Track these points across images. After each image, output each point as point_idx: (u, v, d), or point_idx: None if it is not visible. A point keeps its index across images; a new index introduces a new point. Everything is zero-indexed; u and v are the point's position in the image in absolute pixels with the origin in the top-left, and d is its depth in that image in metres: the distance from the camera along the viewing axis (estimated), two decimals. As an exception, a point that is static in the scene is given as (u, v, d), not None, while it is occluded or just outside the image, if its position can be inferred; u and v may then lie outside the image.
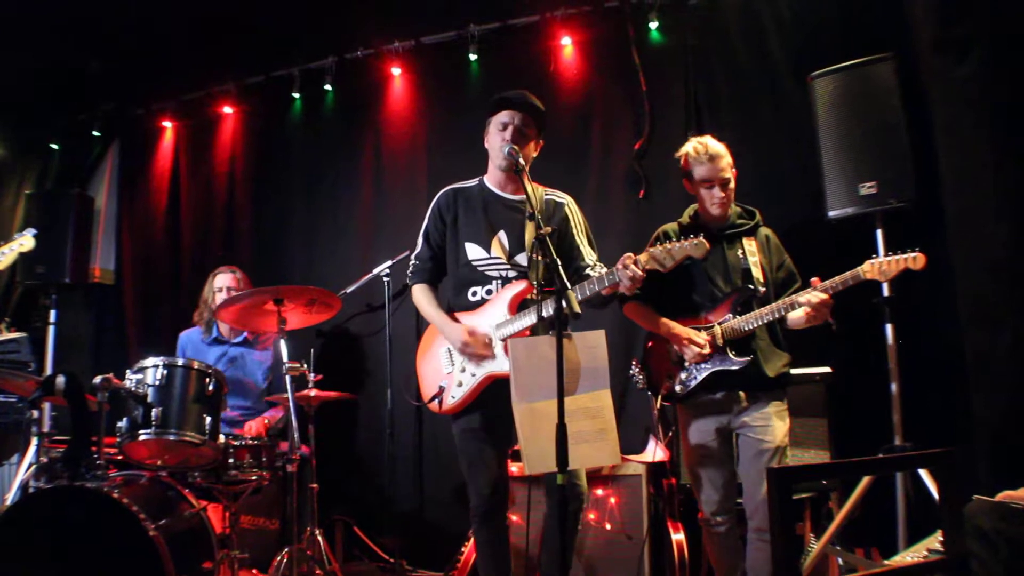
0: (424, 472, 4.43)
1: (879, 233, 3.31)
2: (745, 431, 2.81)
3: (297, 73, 4.97)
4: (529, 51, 4.43)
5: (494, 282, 2.87)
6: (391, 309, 4.44)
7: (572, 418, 2.19)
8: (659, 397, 2.99)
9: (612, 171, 4.24)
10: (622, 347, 3.77)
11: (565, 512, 2.44)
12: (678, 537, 3.24)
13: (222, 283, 4.18)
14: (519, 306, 2.80)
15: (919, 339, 3.34)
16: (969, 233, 2.65)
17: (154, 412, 3.02)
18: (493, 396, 2.74)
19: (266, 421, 3.90)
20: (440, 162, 4.55)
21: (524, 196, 2.62)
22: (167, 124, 5.46)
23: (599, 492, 3.37)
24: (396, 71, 4.78)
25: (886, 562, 3.01)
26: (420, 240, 3.05)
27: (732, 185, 2.92)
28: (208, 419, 3.10)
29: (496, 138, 2.87)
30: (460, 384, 2.84)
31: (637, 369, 3.07)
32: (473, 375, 2.81)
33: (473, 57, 4.52)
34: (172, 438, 3.05)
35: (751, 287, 2.84)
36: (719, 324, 2.82)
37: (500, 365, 2.76)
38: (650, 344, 3.03)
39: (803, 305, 2.70)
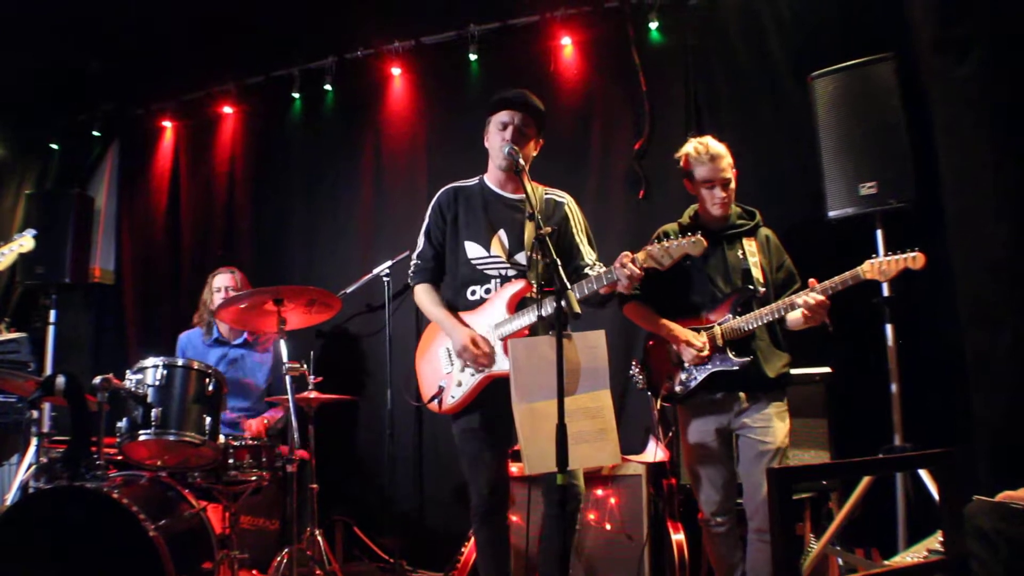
0: (424, 472, 4.43)
1: (879, 233, 3.31)
2: (745, 432, 2.81)
3: (297, 73, 4.97)
4: (529, 51, 4.43)
5: (493, 281, 2.87)
6: (391, 309, 4.43)
7: (572, 418, 2.19)
8: (659, 397, 2.99)
9: (612, 171, 4.23)
10: (622, 347, 3.77)
11: (564, 512, 2.44)
12: (678, 537, 3.24)
13: (221, 283, 4.18)
14: (518, 305, 2.80)
15: (919, 339, 3.34)
16: (969, 233, 2.65)
17: (154, 412, 3.02)
18: (493, 396, 2.73)
19: (266, 421, 3.90)
20: (440, 162, 4.55)
21: (524, 195, 2.62)
22: (167, 124, 5.46)
23: (599, 492, 3.37)
24: (396, 71, 4.78)
25: (886, 562, 3.01)
26: (421, 239, 3.04)
27: (733, 185, 2.92)
28: (208, 419, 3.10)
29: (496, 138, 2.87)
30: (460, 384, 2.84)
31: (637, 369, 3.07)
32: (473, 375, 2.81)
33: (473, 57, 4.51)
34: (172, 438, 3.05)
35: (751, 287, 2.84)
36: (719, 324, 2.82)
37: (500, 365, 2.76)
38: (650, 344, 3.03)
39: (801, 306, 2.70)
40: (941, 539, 2.31)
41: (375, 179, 4.83)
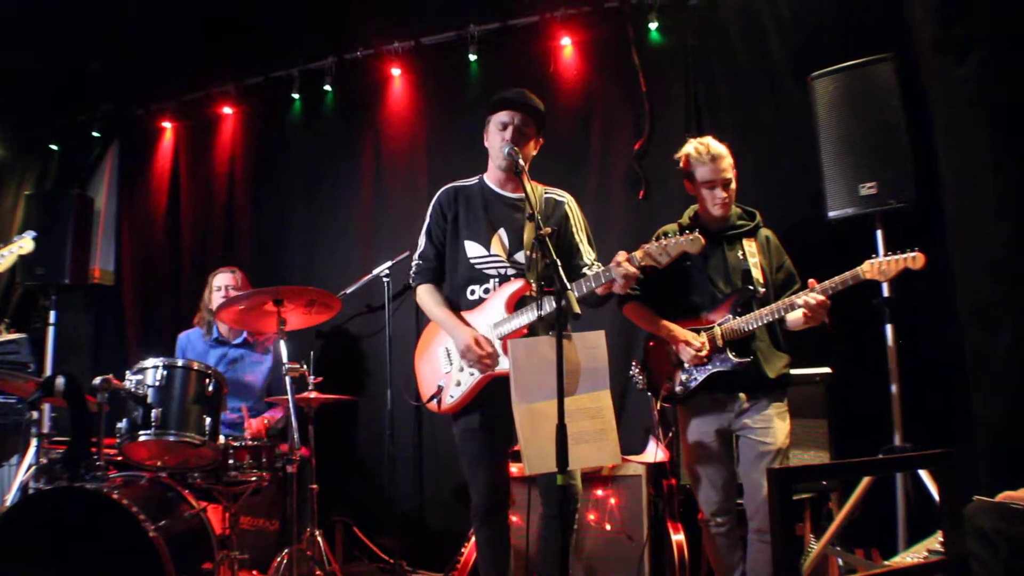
0: (424, 472, 4.43)
1: (879, 233, 3.31)
2: (746, 433, 2.81)
3: (297, 73, 4.97)
4: (529, 51, 4.42)
5: (492, 280, 2.87)
6: (391, 310, 4.43)
7: (572, 418, 2.19)
8: (659, 398, 2.99)
9: (612, 171, 4.23)
10: (622, 348, 3.77)
11: (563, 512, 2.44)
12: (678, 538, 3.24)
13: (221, 283, 4.18)
14: (516, 304, 2.80)
15: (919, 339, 3.34)
16: (969, 233, 2.65)
17: (154, 413, 3.02)
18: (492, 395, 2.73)
19: (266, 421, 3.91)
20: (440, 162, 4.54)
21: (524, 195, 2.62)
22: (167, 124, 5.46)
23: (599, 492, 3.37)
24: (396, 71, 4.78)
25: (886, 563, 3.01)
26: (423, 239, 3.03)
27: (733, 186, 2.92)
28: (208, 420, 3.10)
29: (496, 138, 2.87)
30: (459, 383, 2.84)
31: (637, 370, 3.07)
32: (472, 374, 2.81)
33: (473, 57, 4.51)
34: (172, 439, 3.05)
35: (751, 288, 2.84)
36: (719, 325, 2.82)
37: (499, 364, 2.76)
38: (650, 345, 3.03)
39: (801, 306, 2.70)
40: (941, 539, 2.31)
41: (375, 179, 4.83)
